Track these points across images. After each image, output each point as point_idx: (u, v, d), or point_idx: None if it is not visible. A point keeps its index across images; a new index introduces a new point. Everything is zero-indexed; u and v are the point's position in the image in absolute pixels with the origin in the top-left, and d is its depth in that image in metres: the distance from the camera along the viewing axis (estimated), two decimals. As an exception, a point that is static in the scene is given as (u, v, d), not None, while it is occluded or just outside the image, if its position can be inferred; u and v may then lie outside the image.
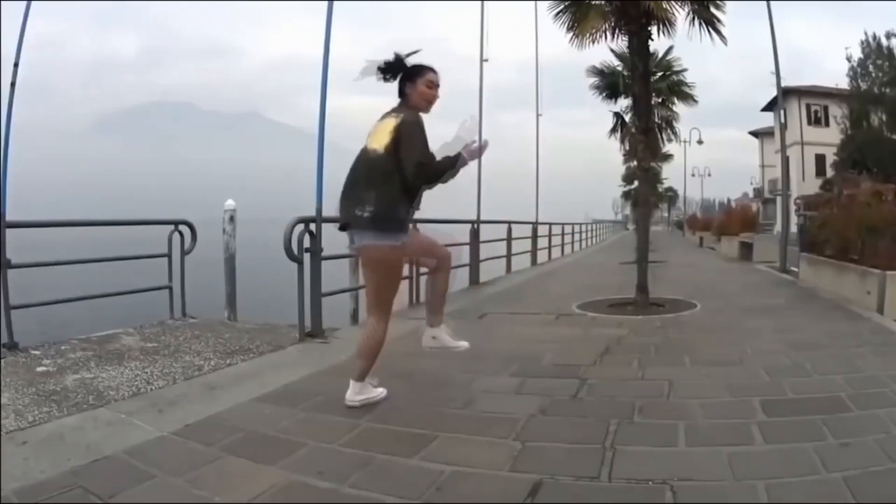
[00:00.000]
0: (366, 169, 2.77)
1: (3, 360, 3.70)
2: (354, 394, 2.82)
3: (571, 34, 6.26)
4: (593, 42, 6.27)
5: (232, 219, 7.22)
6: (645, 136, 6.68)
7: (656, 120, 12.13)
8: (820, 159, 28.61)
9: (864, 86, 24.64)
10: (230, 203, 7.32)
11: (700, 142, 33.39)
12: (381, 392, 2.91)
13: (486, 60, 10.45)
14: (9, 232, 4.04)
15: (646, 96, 6.80)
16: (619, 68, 9.32)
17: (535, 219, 14.69)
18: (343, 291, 6.69)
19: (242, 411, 2.80)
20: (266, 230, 8.00)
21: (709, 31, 6.21)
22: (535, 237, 13.35)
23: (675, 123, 14.04)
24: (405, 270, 6.33)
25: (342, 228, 2.93)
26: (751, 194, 44.80)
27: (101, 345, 4.24)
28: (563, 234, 17.23)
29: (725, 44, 6.26)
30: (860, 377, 3.12)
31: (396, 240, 2.75)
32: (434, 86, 2.84)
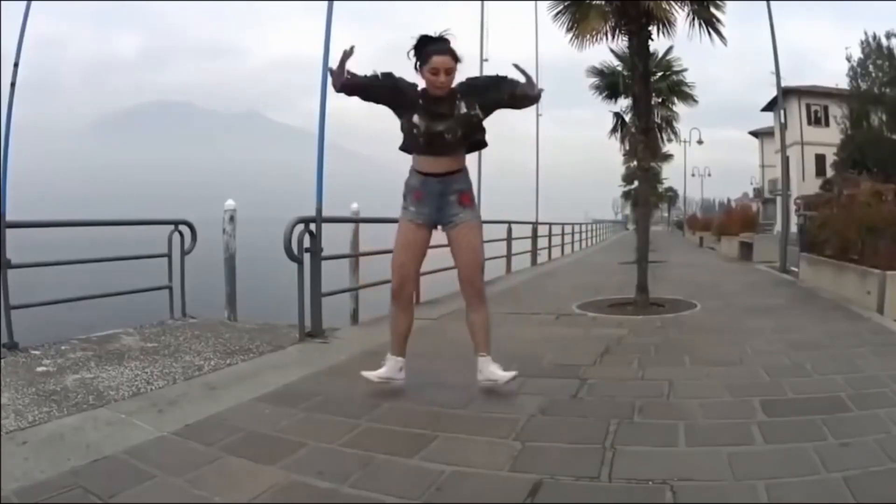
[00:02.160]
0: None
1: (3, 360, 3.70)
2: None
3: (571, 34, 6.27)
4: (594, 42, 6.28)
5: (232, 219, 7.22)
6: (645, 136, 6.68)
7: (656, 120, 12.16)
8: (820, 159, 28.62)
9: (864, 86, 24.65)
10: (230, 203, 7.32)
11: (700, 142, 33.44)
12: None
13: (487, 60, 10.50)
14: (9, 232, 4.04)
15: (646, 96, 6.80)
16: (619, 68, 9.34)
17: (535, 219, 14.70)
18: (343, 291, 6.70)
19: (242, 411, 2.79)
20: (266, 230, 8.01)
21: (709, 31, 6.22)
22: (535, 237, 13.36)
23: (675, 123, 14.13)
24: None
25: None
26: (751, 194, 44.80)
27: (101, 345, 4.24)
28: (563, 234, 17.24)
29: (725, 44, 6.27)
30: (860, 377, 3.12)
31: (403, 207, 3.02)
32: (436, 72, 2.80)
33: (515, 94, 2.92)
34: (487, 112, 2.95)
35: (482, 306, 3.04)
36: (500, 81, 2.96)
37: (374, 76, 2.94)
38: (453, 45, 2.84)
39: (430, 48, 2.80)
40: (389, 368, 3.06)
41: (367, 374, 3.07)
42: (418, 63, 2.84)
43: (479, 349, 3.04)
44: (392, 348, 3.10)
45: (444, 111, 2.87)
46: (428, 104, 2.88)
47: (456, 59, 2.83)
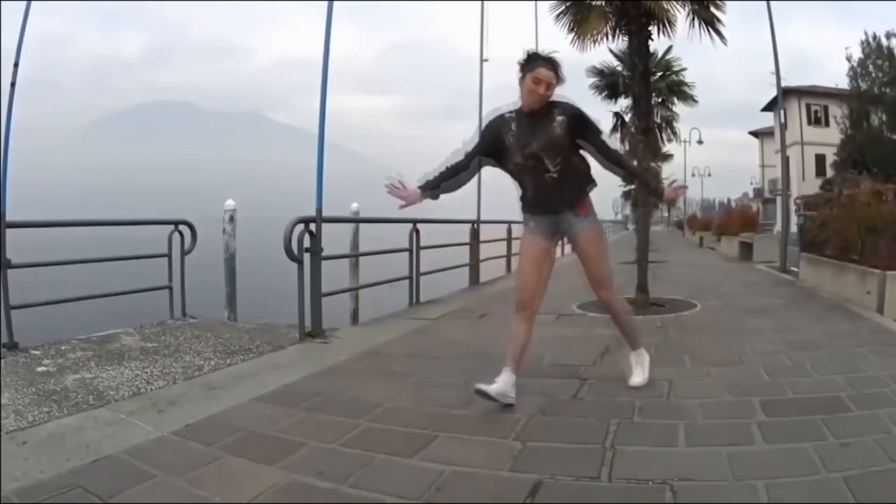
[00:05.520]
0: None
1: (3, 360, 3.70)
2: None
3: (573, 35, 6.27)
4: (595, 43, 6.28)
5: (232, 219, 7.23)
6: (645, 136, 6.68)
7: (656, 120, 12.15)
8: (820, 159, 28.63)
9: (864, 86, 24.63)
10: (230, 203, 7.34)
11: (700, 142, 33.36)
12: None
13: (487, 60, 10.46)
14: (9, 232, 4.04)
15: (646, 96, 6.79)
16: (619, 68, 9.34)
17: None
18: (343, 291, 6.70)
19: (242, 411, 2.79)
20: (266, 230, 8.02)
21: (709, 31, 6.22)
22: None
23: (675, 123, 14.11)
24: (409, 270, 6.39)
25: None
26: (751, 194, 44.76)
27: (101, 345, 4.24)
28: (563, 234, 17.22)
29: (725, 44, 6.27)
30: (860, 377, 3.12)
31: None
32: (538, 81, 2.74)
33: (610, 156, 2.88)
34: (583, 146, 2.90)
35: (613, 309, 3.12)
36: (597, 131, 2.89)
37: (453, 166, 2.93)
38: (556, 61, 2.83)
39: (538, 61, 2.79)
40: (505, 383, 2.80)
41: (483, 386, 2.79)
42: (522, 75, 2.80)
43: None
44: (510, 363, 2.87)
45: (540, 125, 2.81)
46: (521, 122, 2.82)
47: (559, 78, 2.80)
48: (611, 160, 2.89)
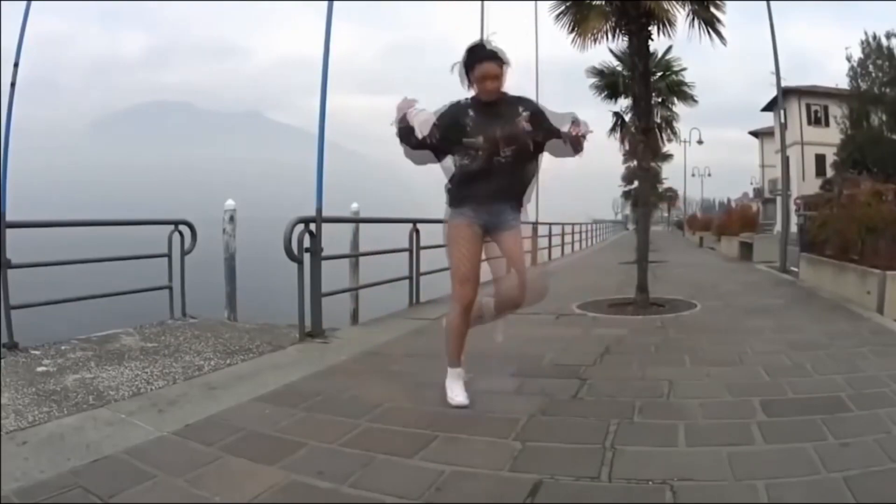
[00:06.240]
0: None
1: (3, 360, 3.70)
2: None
3: (573, 35, 6.27)
4: (595, 42, 6.28)
5: (232, 219, 7.23)
6: (645, 135, 6.68)
7: (656, 120, 12.14)
8: (820, 159, 28.63)
9: (864, 86, 24.64)
10: (230, 203, 7.33)
11: (700, 142, 33.39)
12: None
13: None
14: (9, 232, 4.04)
15: (646, 96, 6.80)
16: (619, 68, 9.33)
17: (535, 219, 14.69)
18: (343, 291, 6.70)
19: (242, 411, 2.80)
20: (266, 230, 8.02)
21: (709, 31, 6.22)
22: (535, 237, 13.35)
23: (675, 123, 14.08)
24: (409, 270, 6.40)
25: None
26: (751, 194, 44.76)
27: (101, 345, 4.24)
28: (563, 234, 17.23)
29: (725, 44, 6.28)
30: (860, 377, 3.12)
31: (447, 215, 2.93)
32: (483, 79, 2.77)
33: (553, 131, 2.83)
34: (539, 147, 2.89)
35: (523, 290, 2.97)
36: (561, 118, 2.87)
37: (433, 140, 2.86)
38: (497, 48, 2.81)
39: (474, 57, 2.79)
40: (462, 386, 2.90)
41: (462, 400, 2.84)
42: (468, 76, 2.82)
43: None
44: (457, 360, 2.94)
45: (501, 114, 2.81)
46: (480, 110, 2.81)
47: (502, 62, 2.80)
48: (554, 134, 2.84)
